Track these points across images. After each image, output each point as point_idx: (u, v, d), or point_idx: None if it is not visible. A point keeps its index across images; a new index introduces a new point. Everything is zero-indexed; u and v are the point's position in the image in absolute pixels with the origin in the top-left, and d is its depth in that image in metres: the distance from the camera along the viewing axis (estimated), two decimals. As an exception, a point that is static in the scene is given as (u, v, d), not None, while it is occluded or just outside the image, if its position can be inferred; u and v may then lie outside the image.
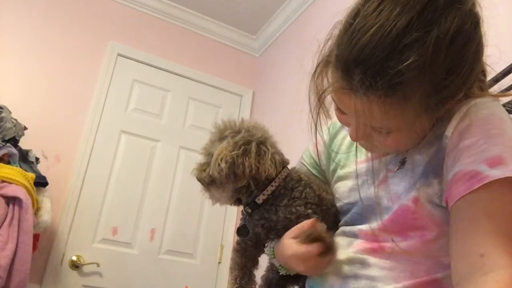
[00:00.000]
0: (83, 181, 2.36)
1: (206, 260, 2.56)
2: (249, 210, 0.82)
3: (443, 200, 0.63)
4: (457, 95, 0.61)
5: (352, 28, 0.60)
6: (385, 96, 0.58)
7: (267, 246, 0.81)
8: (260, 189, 0.79)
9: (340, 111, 0.69)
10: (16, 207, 1.75)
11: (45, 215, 1.91)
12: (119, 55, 2.66)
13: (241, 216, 0.87)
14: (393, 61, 0.56)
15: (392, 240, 0.67)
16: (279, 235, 0.78)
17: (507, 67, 1.12)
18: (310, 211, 0.77)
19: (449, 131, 0.65)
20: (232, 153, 0.75)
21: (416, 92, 0.57)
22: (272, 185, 0.79)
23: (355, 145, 0.82)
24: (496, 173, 0.57)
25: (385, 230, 0.68)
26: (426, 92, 0.58)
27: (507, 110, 1.13)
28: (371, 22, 0.58)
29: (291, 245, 0.74)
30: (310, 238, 0.71)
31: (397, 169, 0.71)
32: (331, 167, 0.86)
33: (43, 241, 2.10)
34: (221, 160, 0.75)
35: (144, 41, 2.77)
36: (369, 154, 0.78)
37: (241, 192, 0.81)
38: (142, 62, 2.72)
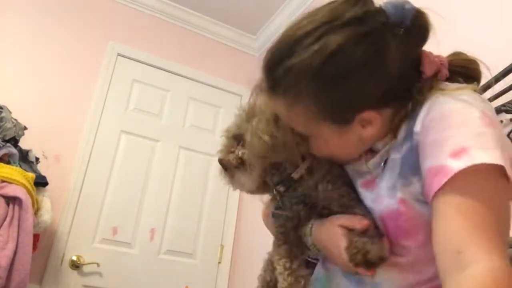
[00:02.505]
0: (83, 181, 2.36)
1: (206, 260, 2.56)
2: (282, 189, 0.78)
3: (425, 197, 0.63)
4: (361, 107, 0.66)
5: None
6: (283, 96, 0.67)
7: (304, 225, 0.78)
8: (293, 166, 0.76)
9: None
10: (16, 207, 1.75)
11: (45, 215, 1.91)
12: (119, 55, 2.66)
13: (271, 203, 0.84)
14: (287, 61, 0.65)
15: (394, 254, 0.67)
16: (322, 214, 0.75)
17: (507, 67, 1.12)
18: (350, 189, 0.74)
19: (417, 127, 0.65)
20: (269, 127, 0.73)
21: (305, 96, 0.65)
22: (307, 160, 0.76)
23: None
24: (458, 164, 0.56)
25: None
26: (314, 98, 0.65)
27: (506, 110, 1.13)
28: (284, 33, 0.68)
29: (338, 236, 0.70)
30: (361, 257, 0.66)
31: (382, 170, 0.71)
32: None
33: (43, 241, 2.10)
34: (262, 134, 0.73)
35: (144, 41, 2.77)
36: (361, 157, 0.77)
37: (271, 172, 0.78)
38: (142, 62, 2.72)
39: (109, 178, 2.44)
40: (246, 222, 2.62)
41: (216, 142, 3.12)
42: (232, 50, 3.08)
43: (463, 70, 0.73)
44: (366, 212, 0.71)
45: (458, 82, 0.71)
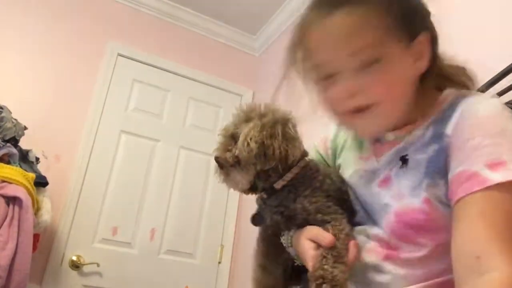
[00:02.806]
0: (83, 181, 2.36)
1: (206, 260, 2.56)
2: (265, 196, 0.80)
3: (449, 199, 0.64)
4: (419, 32, 0.69)
5: None
6: (354, 7, 0.66)
7: (283, 234, 0.79)
8: (277, 175, 0.77)
9: (323, 81, 0.71)
10: (16, 207, 1.75)
11: (45, 215, 1.91)
12: (119, 55, 2.66)
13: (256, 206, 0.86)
14: None
15: (406, 250, 0.67)
16: (299, 226, 0.76)
17: (507, 67, 1.12)
18: (331, 203, 0.74)
19: (449, 130, 0.66)
20: (261, 134, 0.74)
21: (377, 4, 0.66)
22: (291, 172, 0.77)
23: (357, 145, 0.83)
24: (497, 177, 0.58)
25: (395, 235, 0.68)
26: (391, 6, 0.66)
27: (507, 110, 1.13)
28: None
29: (307, 250, 0.71)
30: (322, 283, 0.66)
31: (400, 167, 0.71)
32: (337, 164, 0.87)
33: (43, 241, 2.10)
34: (251, 139, 0.73)
35: (144, 41, 2.77)
36: (370, 153, 0.78)
37: (260, 177, 0.78)
38: (142, 62, 2.72)
39: (109, 178, 2.44)
40: (246, 222, 2.61)
41: (216, 142, 3.10)
42: (232, 50, 3.08)
43: (452, 77, 0.75)
44: (343, 226, 0.71)
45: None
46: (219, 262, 2.58)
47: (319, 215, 0.73)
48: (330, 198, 0.75)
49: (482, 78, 1.11)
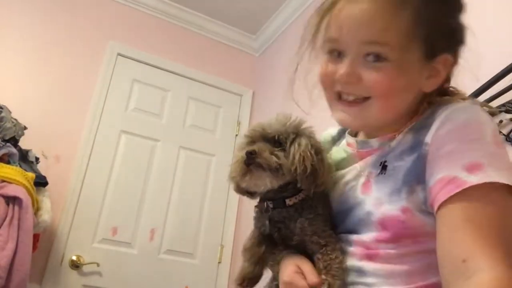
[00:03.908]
0: (83, 181, 2.36)
1: (206, 260, 2.56)
2: (271, 206, 0.80)
3: (429, 206, 0.64)
4: (444, 53, 0.68)
5: None
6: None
7: (277, 252, 0.80)
8: (292, 192, 0.79)
9: (332, 52, 0.71)
10: (16, 207, 1.75)
11: (45, 215, 1.91)
12: (119, 55, 2.66)
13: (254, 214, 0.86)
14: None
15: (387, 247, 0.67)
16: (293, 246, 0.77)
17: (507, 67, 1.12)
18: (327, 228, 0.76)
19: (428, 138, 0.66)
20: (314, 157, 0.76)
21: (414, 6, 0.65)
22: (303, 193, 0.79)
23: (341, 152, 0.83)
24: (474, 179, 0.58)
25: (378, 241, 0.68)
26: (422, 12, 0.65)
27: (507, 110, 1.13)
28: None
29: (292, 274, 0.72)
30: None
31: (379, 173, 0.71)
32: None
33: (43, 241, 2.10)
34: (307, 159, 0.75)
35: (144, 41, 2.77)
36: (354, 160, 0.78)
37: (277, 188, 0.79)
38: (142, 62, 2.72)
39: (109, 178, 2.44)
40: (246, 222, 2.61)
41: (216, 142, 3.11)
42: (232, 50, 3.08)
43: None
44: (335, 255, 0.72)
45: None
46: (219, 262, 2.58)
47: (315, 237, 0.74)
48: (327, 223, 0.77)
49: (482, 78, 1.11)
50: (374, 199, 0.70)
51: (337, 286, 0.69)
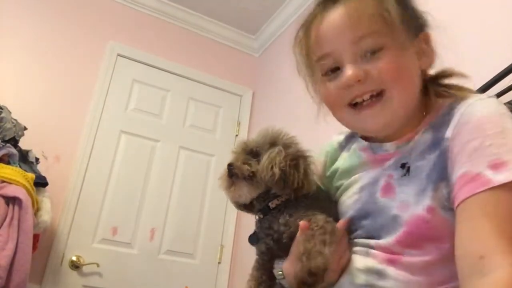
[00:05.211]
0: (83, 181, 2.36)
1: (206, 260, 2.56)
2: (261, 216, 0.84)
3: (451, 203, 0.63)
4: (421, 32, 0.72)
5: None
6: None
7: (275, 267, 0.81)
8: (275, 197, 0.82)
9: (330, 75, 0.73)
10: (16, 207, 1.75)
11: (45, 215, 1.91)
12: (119, 55, 2.66)
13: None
14: None
15: (410, 254, 0.66)
16: (286, 250, 0.78)
17: (507, 67, 1.12)
18: (310, 212, 0.76)
19: (449, 133, 0.66)
20: (285, 162, 0.79)
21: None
22: (287, 194, 0.81)
23: (354, 157, 0.82)
24: (500, 178, 0.58)
25: (400, 243, 0.67)
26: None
27: (507, 110, 1.13)
28: None
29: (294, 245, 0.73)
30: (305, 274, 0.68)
31: (403, 176, 0.70)
32: (334, 183, 0.86)
33: (43, 241, 2.10)
34: (275, 165, 0.78)
35: (144, 41, 2.77)
36: (369, 165, 0.78)
37: (259, 197, 0.84)
38: (142, 62, 2.72)
39: (109, 178, 2.44)
40: (246, 222, 2.61)
41: (216, 142, 3.11)
42: (232, 50, 3.08)
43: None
44: (323, 216, 0.74)
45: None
46: (219, 262, 2.58)
47: (299, 221, 0.75)
48: (310, 211, 0.78)
49: (482, 78, 1.11)
50: (400, 202, 0.69)
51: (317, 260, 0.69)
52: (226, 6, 2.84)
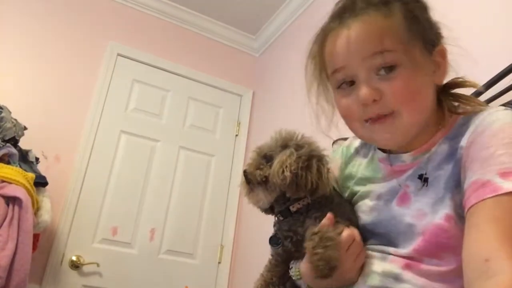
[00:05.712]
0: (83, 181, 2.36)
1: (206, 260, 2.56)
2: (281, 218, 0.83)
3: (463, 209, 0.64)
4: (437, 45, 0.72)
5: None
6: (375, 9, 0.69)
7: (291, 267, 0.81)
8: (295, 200, 0.82)
9: (344, 89, 0.73)
10: (16, 207, 1.75)
11: (45, 215, 1.91)
12: (119, 55, 2.66)
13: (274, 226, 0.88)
14: None
15: (429, 263, 0.67)
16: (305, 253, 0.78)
17: (507, 67, 1.12)
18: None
19: (464, 142, 0.68)
20: (297, 164, 0.78)
21: (399, 10, 0.69)
22: (308, 198, 0.81)
23: (372, 166, 0.83)
24: (509, 186, 0.59)
25: (418, 252, 0.68)
26: (408, 13, 0.69)
27: (507, 110, 1.13)
28: None
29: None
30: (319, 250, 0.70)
31: (421, 187, 0.72)
32: (350, 187, 0.87)
33: (43, 241, 2.10)
34: (286, 167, 0.77)
35: (144, 41, 2.77)
36: (386, 174, 0.79)
37: (278, 200, 0.83)
38: (142, 62, 2.72)
39: (109, 178, 2.44)
40: (246, 222, 2.62)
41: (216, 142, 3.11)
42: (232, 50, 3.08)
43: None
44: (337, 219, 0.75)
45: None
46: (219, 262, 2.58)
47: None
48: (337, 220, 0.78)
49: (482, 78, 1.11)
50: (415, 211, 0.70)
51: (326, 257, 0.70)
52: (226, 6, 2.84)
